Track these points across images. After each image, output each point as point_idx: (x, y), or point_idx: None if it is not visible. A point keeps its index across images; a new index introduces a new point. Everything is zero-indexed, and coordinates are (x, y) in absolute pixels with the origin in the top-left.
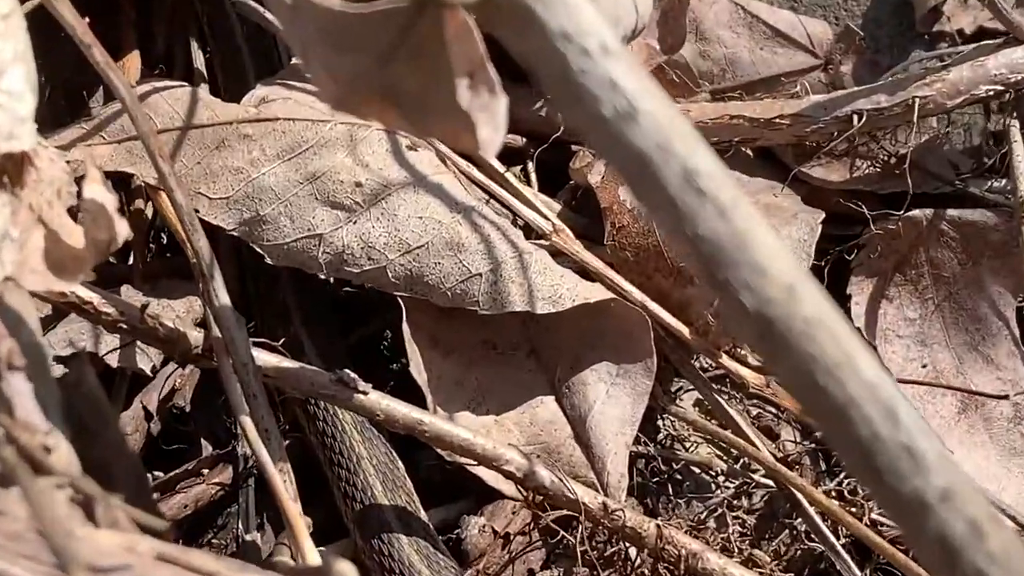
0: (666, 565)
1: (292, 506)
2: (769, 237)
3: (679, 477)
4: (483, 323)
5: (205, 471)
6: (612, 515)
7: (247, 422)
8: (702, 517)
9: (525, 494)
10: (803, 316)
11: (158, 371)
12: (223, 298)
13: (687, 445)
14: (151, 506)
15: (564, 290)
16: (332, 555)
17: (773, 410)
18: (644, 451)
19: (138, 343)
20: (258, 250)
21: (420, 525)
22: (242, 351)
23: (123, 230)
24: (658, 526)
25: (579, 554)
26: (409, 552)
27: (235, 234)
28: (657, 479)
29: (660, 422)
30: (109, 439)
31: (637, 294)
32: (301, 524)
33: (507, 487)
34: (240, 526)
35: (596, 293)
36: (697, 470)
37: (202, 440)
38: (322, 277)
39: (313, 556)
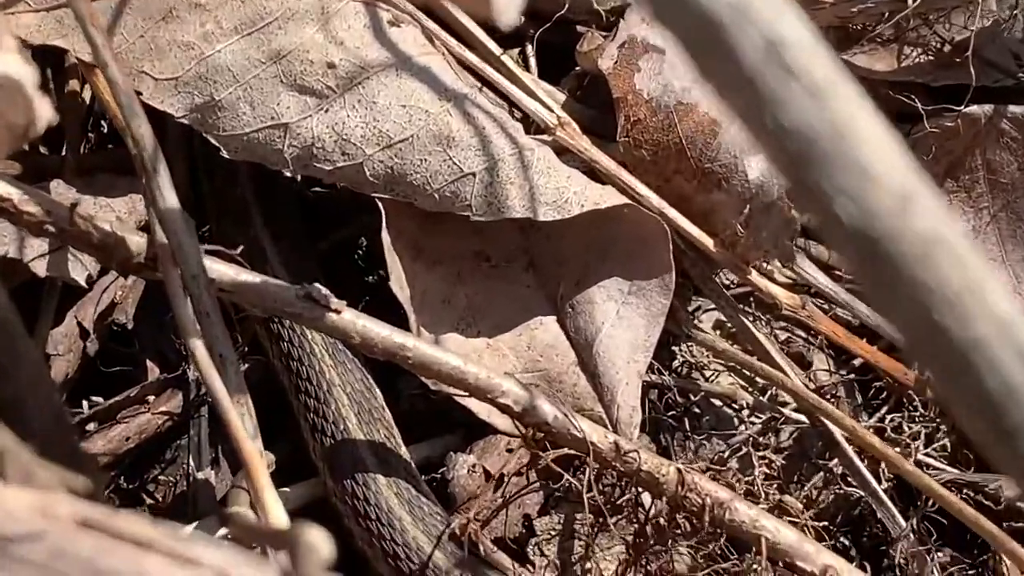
0: (686, 515)
1: (250, 446)
2: (878, 129)
3: (697, 411)
4: (475, 231)
5: (151, 398)
6: (625, 457)
7: (198, 346)
8: (724, 456)
9: (523, 431)
10: (918, 234)
11: (95, 281)
12: (169, 197)
13: (707, 374)
14: (74, 454)
15: (571, 194)
16: (301, 520)
17: (802, 335)
18: (658, 380)
19: (71, 248)
20: (213, 141)
21: (400, 464)
22: (192, 261)
23: (44, 112)
24: (679, 470)
25: (585, 500)
26: (388, 495)
27: (185, 122)
28: (673, 413)
29: (676, 347)
30: (23, 372)
31: (654, 199)
32: (261, 468)
33: (501, 421)
34: (191, 462)
35: (608, 197)
36: (718, 403)
37: (148, 362)
38: (288, 174)
39: (275, 506)
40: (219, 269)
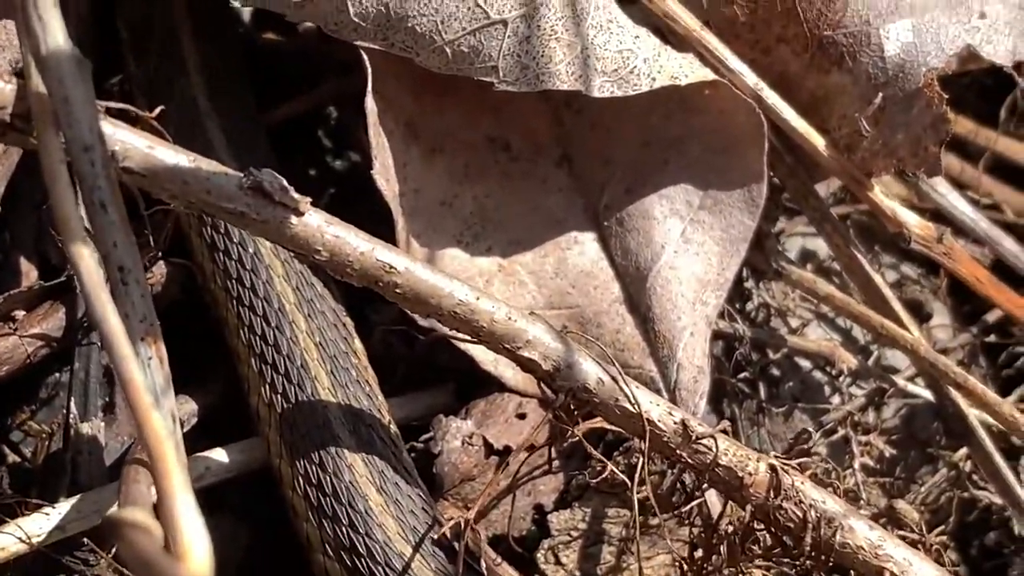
0: (776, 530)
1: (155, 421)
2: None
3: (777, 373)
4: (493, 108)
5: (20, 314)
6: (695, 444)
7: (83, 256)
8: (812, 438)
9: (552, 397)
10: None
11: None
12: (51, 24)
13: (792, 322)
14: None
15: (639, 62)
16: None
17: (913, 275)
18: (727, 328)
19: None
20: None
21: (387, 452)
22: (83, 123)
23: None
24: (772, 468)
25: (634, 497)
26: (361, 480)
27: None
28: (744, 375)
29: (751, 283)
30: None
31: (748, 76)
32: (177, 472)
33: (512, 374)
34: (74, 407)
35: (690, 72)
36: (807, 364)
37: (21, 263)
38: (236, 4)
39: (190, 528)
40: (125, 139)
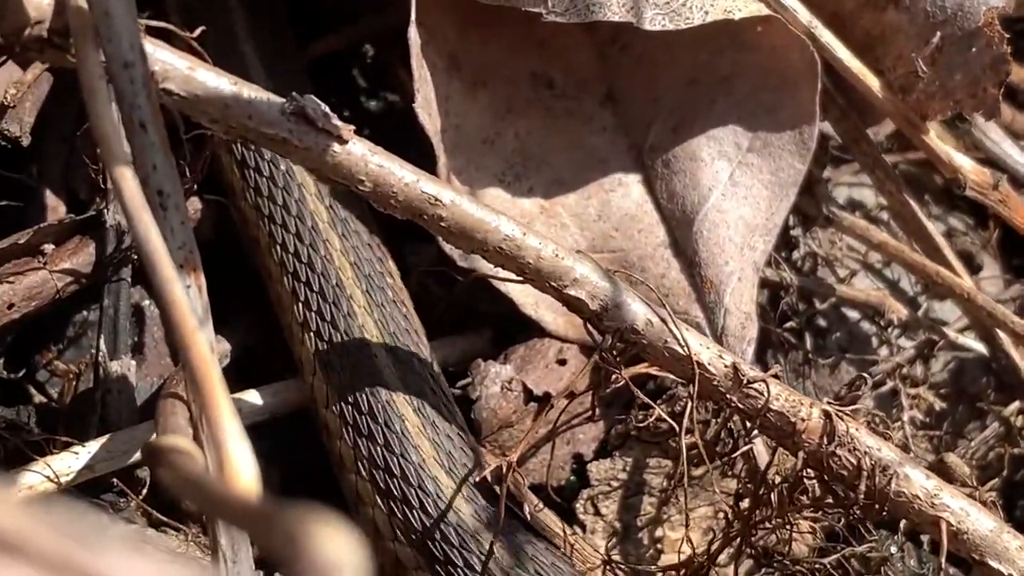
0: (831, 480)
1: (199, 338)
2: None
3: (824, 324)
4: (538, 42)
5: (48, 248)
6: (747, 389)
7: (125, 176)
8: (866, 383)
9: (598, 340)
10: None
11: None
12: None
13: (839, 271)
14: None
15: None
16: (307, 511)
17: (962, 227)
18: (773, 277)
19: None
20: None
21: (423, 371)
22: (124, 40)
23: None
24: (826, 415)
25: (682, 444)
26: (405, 415)
27: None
28: (790, 325)
29: (799, 232)
30: None
31: (802, 13)
32: (222, 399)
33: (552, 318)
34: (103, 345)
35: (743, 5)
36: (855, 314)
37: (48, 195)
38: None
39: (237, 448)
40: (166, 59)
